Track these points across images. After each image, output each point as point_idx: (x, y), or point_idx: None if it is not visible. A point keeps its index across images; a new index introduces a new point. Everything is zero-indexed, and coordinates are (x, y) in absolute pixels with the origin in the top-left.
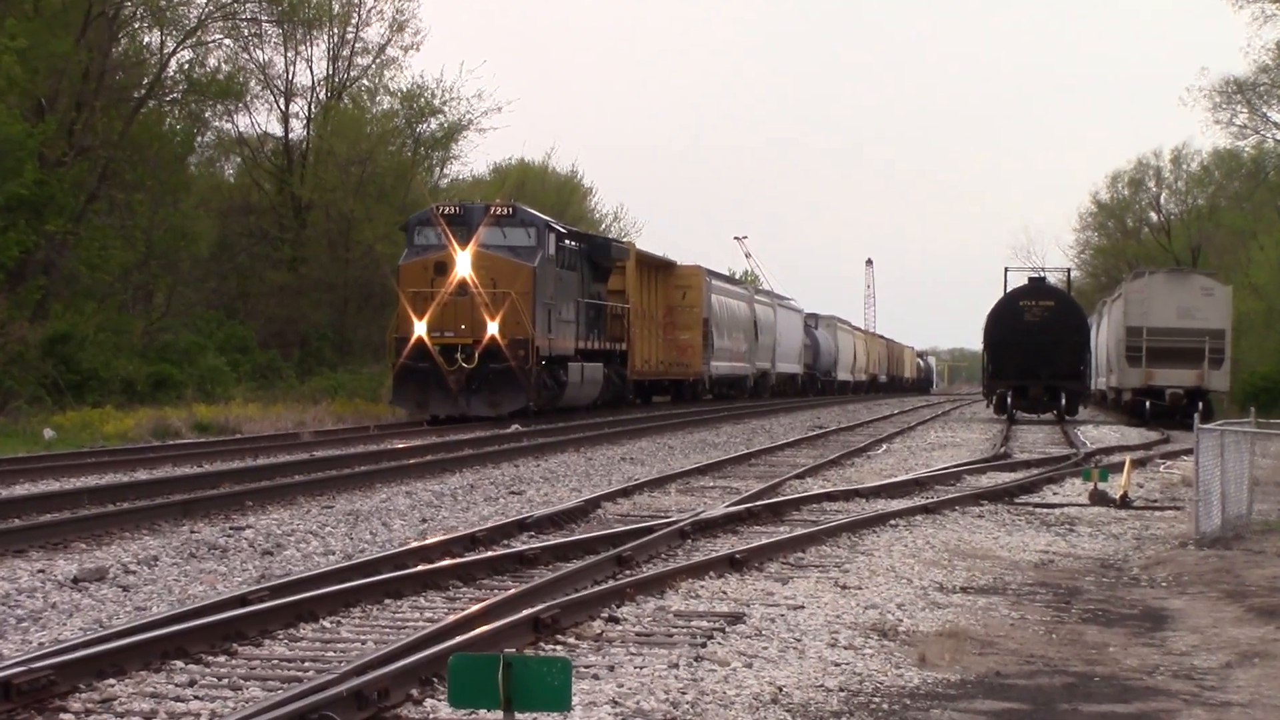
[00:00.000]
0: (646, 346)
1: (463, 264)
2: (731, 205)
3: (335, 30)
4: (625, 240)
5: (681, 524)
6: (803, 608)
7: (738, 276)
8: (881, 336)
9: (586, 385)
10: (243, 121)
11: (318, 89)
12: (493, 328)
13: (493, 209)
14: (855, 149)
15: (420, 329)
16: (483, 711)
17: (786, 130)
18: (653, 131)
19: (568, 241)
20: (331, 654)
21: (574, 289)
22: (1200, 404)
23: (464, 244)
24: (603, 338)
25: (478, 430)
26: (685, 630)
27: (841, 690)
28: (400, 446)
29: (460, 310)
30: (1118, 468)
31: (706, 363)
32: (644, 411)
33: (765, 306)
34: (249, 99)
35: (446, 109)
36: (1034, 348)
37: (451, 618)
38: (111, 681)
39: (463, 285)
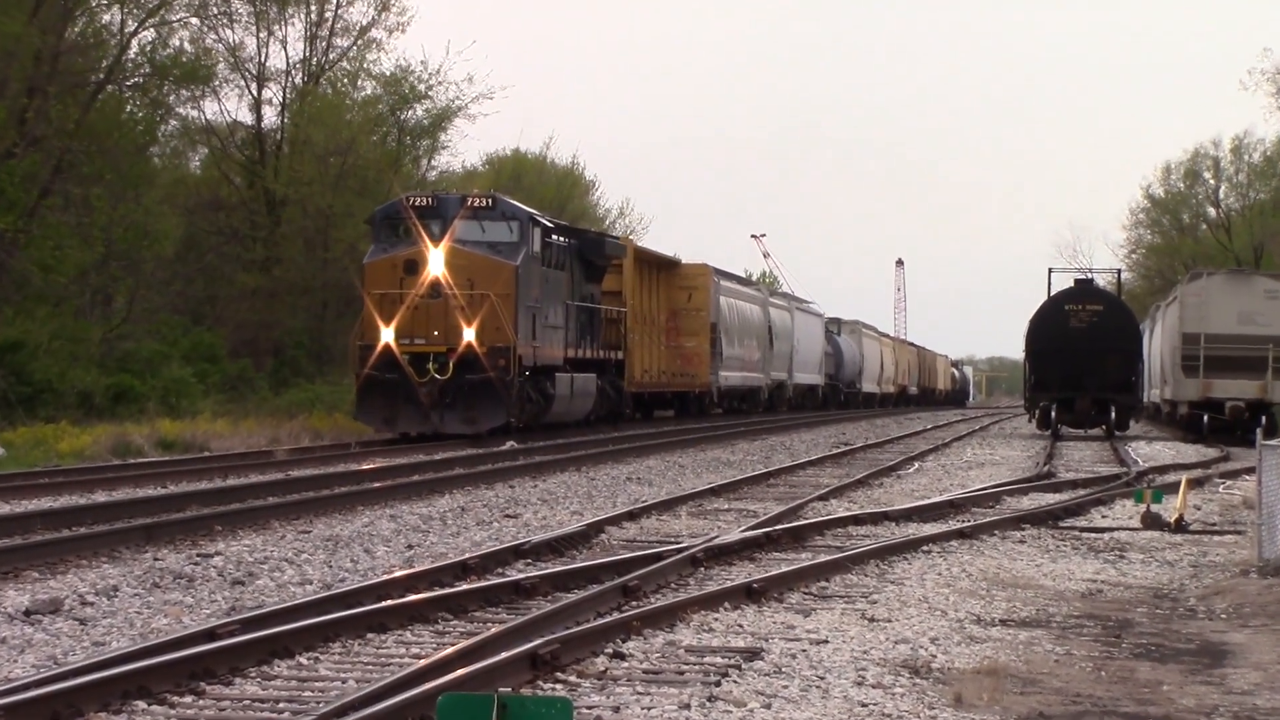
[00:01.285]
0: (646, 355)
1: (435, 262)
2: (749, 202)
3: (313, 8)
4: (622, 236)
5: (693, 550)
6: (827, 642)
7: (754, 278)
8: (912, 344)
9: (577, 398)
10: (210, 109)
11: (293, 73)
12: (469, 334)
13: (469, 200)
14: (885, 141)
15: (387, 335)
16: None
17: (809, 121)
18: (663, 123)
19: (555, 237)
20: (309, 694)
21: (563, 290)
22: (1263, 418)
23: (437, 240)
24: (596, 345)
25: (469, 448)
26: (697, 667)
27: None
28: (384, 465)
29: (432, 314)
30: (1173, 488)
31: (714, 373)
32: (652, 427)
33: (781, 310)
34: (217, 84)
35: (433, 94)
36: (1080, 356)
37: (441, 653)
38: None
39: (435, 286)
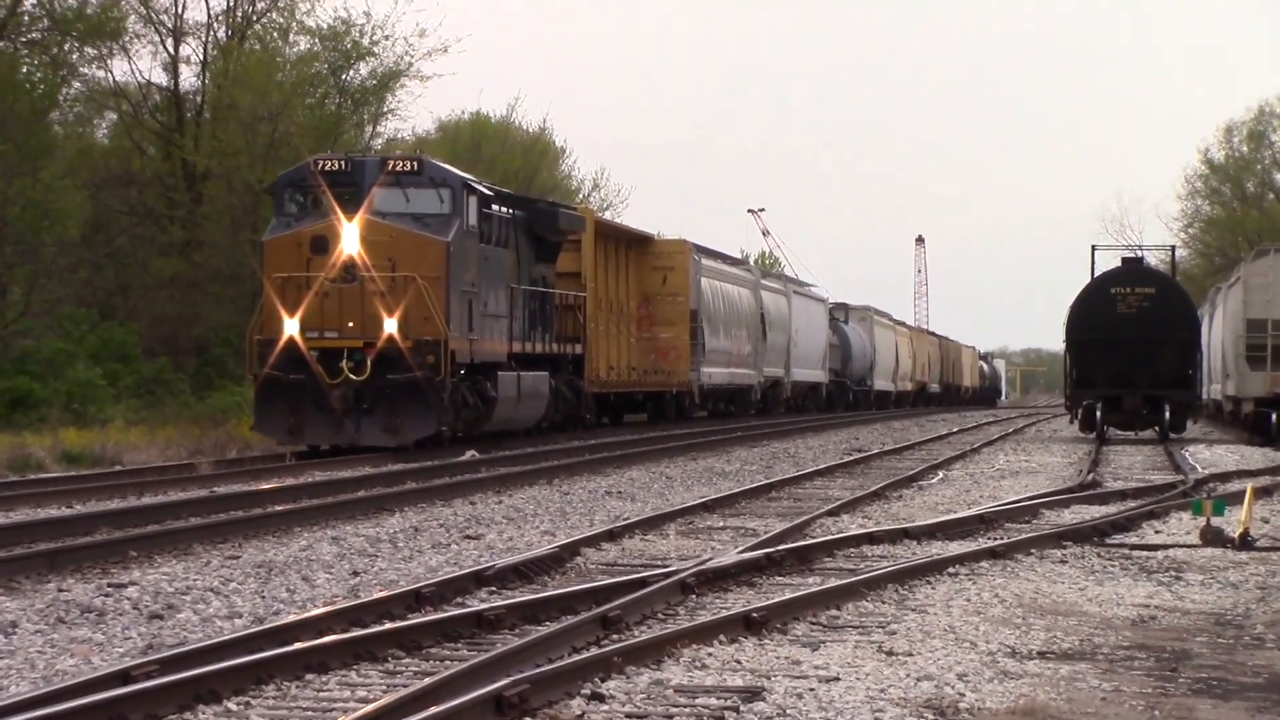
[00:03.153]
0: (612, 348)
1: (349, 238)
2: (745, 174)
3: None
4: (581, 206)
5: (683, 575)
6: (838, 680)
7: (752, 260)
8: (933, 333)
9: (525, 401)
10: (120, 68)
11: (215, 26)
12: (390, 325)
13: (390, 164)
14: (902, 102)
15: (291, 328)
16: None
17: (814, 81)
18: (646, 84)
19: (497, 207)
20: None
21: (506, 271)
22: None
23: (351, 211)
24: (549, 337)
25: (423, 458)
26: (688, 710)
27: None
28: (324, 479)
29: (346, 302)
30: (1237, 498)
31: (695, 369)
32: (630, 433)
33: (776, 294)
34: (127, 40)
35: (379, 50)
36: (1129, 347)
37: (391, 696)
38: None
39: (349, 267)
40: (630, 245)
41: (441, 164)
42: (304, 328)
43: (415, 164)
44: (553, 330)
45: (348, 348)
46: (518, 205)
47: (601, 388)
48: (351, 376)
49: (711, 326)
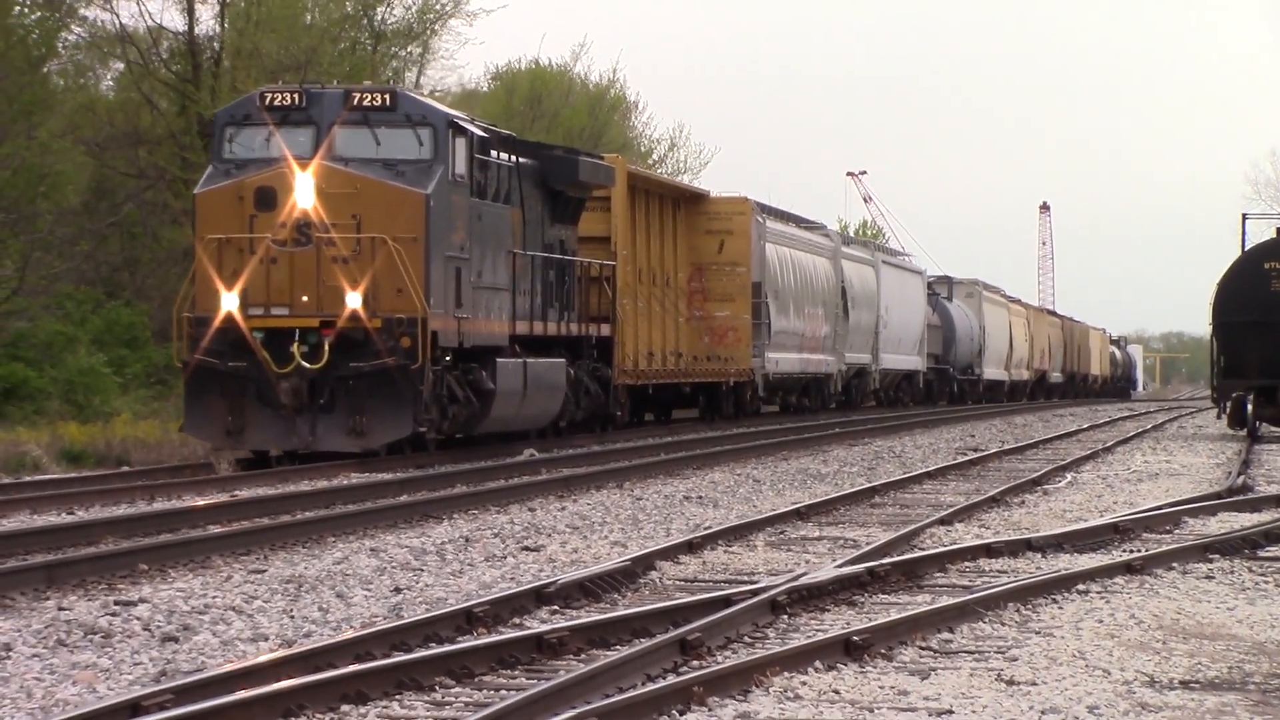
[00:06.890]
0: (654, 329)
1: (303, 190)
2: (846, 137)
3: None
4: (611, 156)
5: (773, 592)
6: (951, 713)
7: (852, 229)
8: (1054, 313)
9: (535, 394)
10: (127, 11)
11: None
12: (354, 300)
13: (355, 97)
14: (1024, 50)
15: (230, 303)
16: None
17: (923, 27)
18: (733, 31)
19: (497, 153)
20: None
21: (508, 233)
22: None
23: (306, 156)
24: (568, 315)
25: (476, 459)
26: None
27: None
28: (361, 482)
29: (299, 270)
30: None
31: (759, 354)
32: (715, 429)
33: (861, 264)
34: None
35: None
36: None
37: None
38: None
39: (303, 227)
40: (678, 204)
41: (422, 98)
42: (246, 303)
43: (387, 97)
44: (573, 307)
45: (300, 328)
46: (526, 152)
47: (637, 378)
48: (305, 364)
49: (779, 303)
